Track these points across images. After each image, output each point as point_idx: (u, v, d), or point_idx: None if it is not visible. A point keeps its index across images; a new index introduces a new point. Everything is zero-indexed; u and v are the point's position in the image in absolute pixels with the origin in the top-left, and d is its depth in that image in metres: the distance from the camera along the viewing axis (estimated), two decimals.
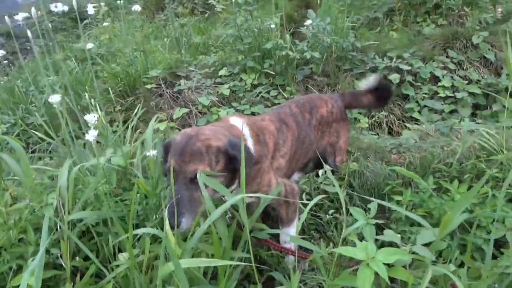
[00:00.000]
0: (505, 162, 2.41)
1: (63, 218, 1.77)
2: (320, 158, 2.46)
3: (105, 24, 5.87)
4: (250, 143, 1.94)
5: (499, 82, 4.15)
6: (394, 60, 4.30)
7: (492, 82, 4.18)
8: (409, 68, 4.24)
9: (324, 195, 2.19)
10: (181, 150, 1.70)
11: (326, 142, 2.55)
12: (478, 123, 3.66)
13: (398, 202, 2.20)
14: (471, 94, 4.07)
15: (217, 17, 6.48)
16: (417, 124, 3.86)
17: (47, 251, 1.84)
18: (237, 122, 1.99)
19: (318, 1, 5.04)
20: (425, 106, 4.08)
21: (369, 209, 1.88)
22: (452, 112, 4.05)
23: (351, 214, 2.02)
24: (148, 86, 3.96)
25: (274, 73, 4.18)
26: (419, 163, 2.76)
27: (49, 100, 1.84)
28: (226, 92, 4.05)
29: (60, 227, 1.72)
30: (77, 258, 1.74)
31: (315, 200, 1.83)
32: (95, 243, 1.94)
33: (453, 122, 3.61)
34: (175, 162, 1.68)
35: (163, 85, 4.00)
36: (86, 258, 1.88)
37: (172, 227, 1.55)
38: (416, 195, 2.20)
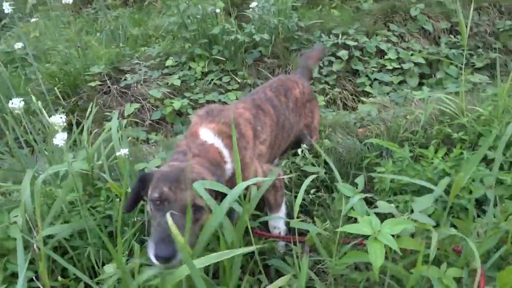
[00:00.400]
0: (467, 125, 2.50)
1: (32, 236, 1.54)
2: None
3: (32, 20, 5.33)
4: (227, 155, 1.84)
5: (440, 50, 4.35)
6: (340, 37, 4.35)
7: (433, 51, 4.37)
8: (355, 43, 4.30)
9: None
10: (176, 177, 1.55)
11: (302, 124, 2.49)
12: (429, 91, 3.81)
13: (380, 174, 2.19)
14: (416, 64, 4.22)
15: (151, 8, 6.16)
16: (371, 97, 3.93)
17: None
18: (207, 135, 1.86)
19: None
20: (375, 79, 4.17)
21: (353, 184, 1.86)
22: (400, 83, 4.17)
23: (334, 192, 1.97)
24: (92, 84, 3.65)
25: (224, 59, 4.03)
26: (386, 134, 2.80)
27: None
28: (177, 82, 3.84)
29: (36, 247, 1.48)
30: (59, 277, 1.52)
31: (307, 181, 1.77)
32: (70, 258, 1.73)
33: (406, 92, 3.72)
34: (169, 189, 1.52)
35: (108, 81, 3.70)
36: (63, 276, 1.68)
37: (163, 258, 1.36)
38: (394, 165, 2.21)
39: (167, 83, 3.88)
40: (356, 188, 1.90)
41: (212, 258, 1.27)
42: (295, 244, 1.68)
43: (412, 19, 4.66)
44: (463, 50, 4.41)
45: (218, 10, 3.92)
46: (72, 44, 4.23)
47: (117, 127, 1.96)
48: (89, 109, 2.39)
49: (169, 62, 4.09)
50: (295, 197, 2.30)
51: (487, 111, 2.41)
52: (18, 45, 3.27)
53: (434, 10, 4.74)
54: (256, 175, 1.87)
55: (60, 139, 1.38)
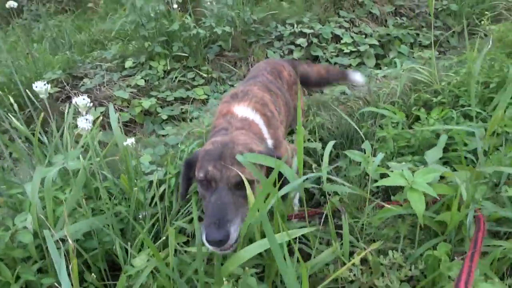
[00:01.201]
0: (446, 88, 2.64)
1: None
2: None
3: None
4: (265, 132, 1.81)
5: (389, 32, 4.58)
6: (295, 26, 4.43)
7: (383, 33, 4.59)
8: (312, 31, 4.40)
9: None
10: (220, 155, 1.48)
11: (292, 105, 2.49)
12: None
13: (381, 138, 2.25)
14: (371, 46, 4.41)
15: (92, 14, 5.87)
16: None
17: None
18: (245, 111, 1.82)
19: None
20: (335, 63, 4.29)
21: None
22: (359, 64, 4.33)
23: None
24: (50, 91, 3.36)
25: (185, 55, 3.93)
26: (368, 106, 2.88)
27: None
28: (141, 82, 3.68)
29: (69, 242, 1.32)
30: (92, 275, 1.38)
31: (330, 145, 1.77)
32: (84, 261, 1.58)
33: (369, 71, 3.87)
34: (214, 168, 1.45)
35: (67, 87, 3.45)
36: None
37: (215, 242, 1.30)
38: (391, 130, 2.27)
39: (130, 85, 3.70)
40: (364, 153, 1.93)
41: (284, 237, 1.21)
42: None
43: (359, 5, 4.86)
44: (410, 30, 4.71)
45: (175, 6, 3.81)
46: (15, 54, 3.91)
47: (116, 117, 1.82)
48: (66, 115, 2.20)
49: (128, 64, 3.91)
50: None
51: (461, 74, 2.57)
52: None
53: None
54: (287, 154, 1.85)
55: (84, 121, 1.24)
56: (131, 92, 3.61)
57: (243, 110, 1.82)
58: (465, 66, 2.74)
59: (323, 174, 1.60)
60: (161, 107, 3.60)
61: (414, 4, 4.98)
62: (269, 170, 1.58)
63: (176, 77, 3.85)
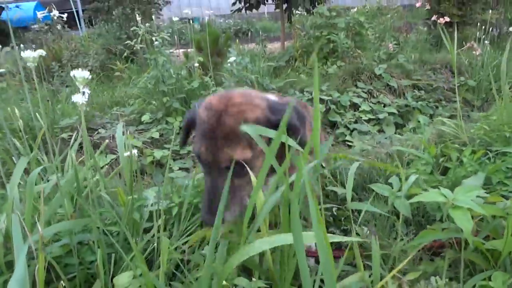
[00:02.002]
0: (469, 141, 2.49)
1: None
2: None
3: None
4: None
5: (409, 102, 4.56)
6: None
7: (402, 104, 4.57)
8: (330, 98, 4.41)
9: None
10: (210, 132, 1.33)
11: None
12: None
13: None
14: (390, 114, 4.36)
15: (115, 81, 6.11)
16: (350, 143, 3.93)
17: None
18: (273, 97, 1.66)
19: (228, 53, 5.13)
20: (354, 129, 4.21)
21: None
22: (378, 132, 4.24)
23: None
24: (64, 136, 3.33)
25: None
26: (391, 160, 2.71)
27: None
28: (156, 135, 3.63)
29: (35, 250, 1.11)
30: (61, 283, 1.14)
31: (354, 167, 1.58)
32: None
33: (390, 134, 3.76)
34: (205, 150, 1.34)
35: (80, 133, 3.40)
36: None
37: (208, 224, 1.27)
38: (420, 167, 2.08)
39: (145, 137, 3.65)
40: (392, 188, 1.75)
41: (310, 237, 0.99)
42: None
43: (377, 78, 4.93)
44: (428, 102, 4.69)
45: (196, 64, 3.91)
46: (37, 107, 3.97)
47: (121, 132, 1.70)
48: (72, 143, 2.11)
49: (145, 118, 3.91)
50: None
51: (491, 120, 2.43)
52: None
53: (394, 71, 5.08)
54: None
55: (80, 96, 1.12)
56: (144, 143, 3.54)
57: (271, 96, 1.65)
58: (493, 116, 2.61)
59: (348, 192, 1.40)
60: (173, 159, 3.49)
61: (432, 79, 5.02)
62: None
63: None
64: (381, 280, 1.21)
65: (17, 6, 9.11)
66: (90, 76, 1.26)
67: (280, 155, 1.31)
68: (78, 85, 1.14)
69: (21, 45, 5.79)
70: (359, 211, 1.99)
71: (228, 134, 1.31)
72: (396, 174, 2.02)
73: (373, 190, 2.02)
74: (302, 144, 1.23)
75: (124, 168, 1.65)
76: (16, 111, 2.01)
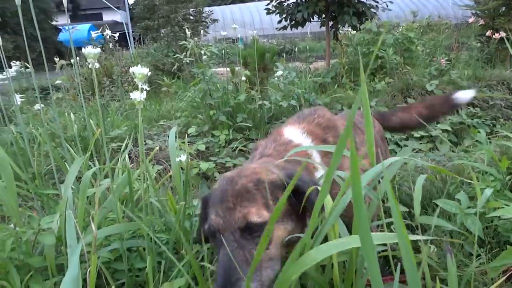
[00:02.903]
0: None
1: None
2: None
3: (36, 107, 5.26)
4: (318, 160, 1.49)
5: (464, 120, 4.32)
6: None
7: (456, 121, 4.34)
8: None
9: None
10: (222, 196, 1.20)
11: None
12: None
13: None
14: (444, 131, 4.14)
15: (162, 96, 6.25)
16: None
17: None
18: (294, 134, 1.55)
19: (274, 68, 5.12)
20: (405, 146, 4.02)
21: None
22: (431, 150, 4.03)
23: None
24: (113, 145, 3.40)
25: (248, 126, 3.88)
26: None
27: None
28: (202, 147, 3.62)
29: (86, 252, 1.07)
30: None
31: (421, 180, 1.46)
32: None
33: (446, 152, 3.56)
34: (216, 215, 1.17)
35: (129, 143, 3.45)
36: None
37: None
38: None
39: (191, 149, 3.66)
40: (460, 204, 1.60)
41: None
42: None
43: (428, 94, 4.72)
44: (484, 119, 4.43)
45: (243, 78, 3.90)
46: (90, 117, 4.10)
47: (174, 136, 1.67)
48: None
49: (191, 130, 3.92)
50: None
51: None
52: None
53: (447, 87, 4.85)
54: None
55: (138, 93, 1.09)
56: (190, 155, 3.53)
57: (291, 133, 1.54)
58: None
59: (416, 203, 1.27)
60: (219, 172, 3.46)
61: (488, 96, 4.75)
62: (290, 202, 1.21)
63: (237, 147, 3.76)
64: None
65: (73, 27, 9.65)
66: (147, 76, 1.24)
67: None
68: (137, 82, 1.12)
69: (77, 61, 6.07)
70: (423, 230, 1.85)
71: (240, 193, 1.17)
72: (463, 190, 1.87)
73: (435, 208, 1.87)
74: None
75: (175, 173, 1.61)
76: (72, 116, 2.02)
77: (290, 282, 0.97)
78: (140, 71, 1.09)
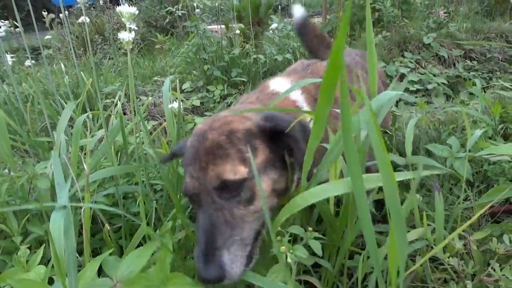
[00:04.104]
0: None
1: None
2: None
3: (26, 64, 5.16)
4: (304, 104, 1.40)
5: (461, 73, 4.28)
6: None
7: (452, 74, 4.30)
8: None
9: None
10: (194, 155, 1.09)
11: None
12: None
13: None
14: (439, 85, 4.12)
15: (156, 53, 6.15)
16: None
17: None
18: (280, 85, 1.43)
19: (269, 21, 5.00)
20: (400, 100, 4.01)
21: None
22: (427, 103, 4.02)
23: None
24: (107, 101, 3.37)
25: (245, 80, 3.84)
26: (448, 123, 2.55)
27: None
28: (197, 102, 3.60)
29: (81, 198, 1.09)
30: (106, 226, 1.12)
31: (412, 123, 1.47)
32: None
33: (439, 105, 3.55)
34: (190, 177, 1.08)
35: (122, 96, 3.43)
36: None
37: (208, 282, 0.96)
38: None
39: (186, 104, 3.64)
40: (451, 148, 1.61)
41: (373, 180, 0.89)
42: None
43: (425, 47, 4.65)
44: (481, 73, 4.40)
45: (237, 32, 3.82)
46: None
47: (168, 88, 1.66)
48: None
49: (185, 86, 3.89)
50: None
51: None
52: None
53: (445, 40, 4.78)
54: None
55: (127, 33, 1.06)
56: (185, 110, 3.52)
57: (278, 84, 1.44)
58: None
59: (407, 144, 1.29)
60: None
61: (485, 49, 4.69)
62: (270, 148, 1.12)
63: (232, 102, 3.74)
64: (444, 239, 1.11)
65: None
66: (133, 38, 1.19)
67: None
68: (125, 21, 1.09)
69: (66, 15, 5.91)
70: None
71: (211, 149, 1.06)
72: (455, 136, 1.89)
73: (429, 153, 1.90)
74: (299, 162, 1.05)
75: (168, 121, 1.61)
76: (63, 66, 1.99)
77: (280, 223, 0.99)
78: (128, 10, 1.06)
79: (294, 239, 1.05)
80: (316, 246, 0.94)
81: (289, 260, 0.86)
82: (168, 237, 1.18)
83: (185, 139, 1.25)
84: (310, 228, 0.98)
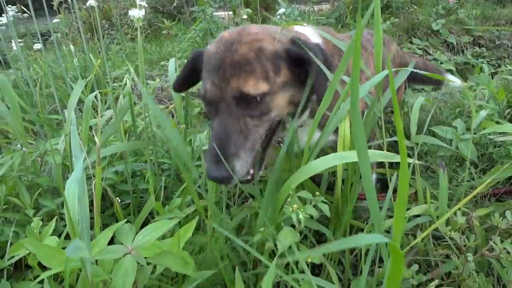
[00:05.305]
0: None
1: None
2: None
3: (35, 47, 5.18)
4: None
5: (469, 60, 4.25)
6: None
7: (461, 61, 4.28)
8: None
9: None
10: (219, 64, 1.12)
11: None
12: None
13: None
14: (447, 71, 4.09)
15: (163, 39, 6.15)
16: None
17: None
18: (305, 30, 1.41)
19: (276, 6, 4.98)
20: (409, 86, 3.99)
21: None
22: (433, 89, 4.00)
23: None
24: (115, 84, 3.40)
25: None
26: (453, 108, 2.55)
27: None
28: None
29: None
30: (117, 199, 1.15)
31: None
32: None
33: (445, 90, 3.54)
34: (211, 84, 1.12)
35: (131, 83, 3.46)
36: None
37: (217, 180, 1.07)
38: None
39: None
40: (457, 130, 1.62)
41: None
42: None
43: (434, 34, 4.61)
44: (490, 59, 4.36)
45: (245, 17, 3.81)
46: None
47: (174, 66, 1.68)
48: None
49: None
50: None
51: None
52: None
53: (454, 27, 4.73)
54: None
55: (137, 10, 1.08)
56: (192, 95, 3.54)
57: (302, 28, 1.41)
58: None
59: (412, 124, 1.30)
60: None
61: (495, 36, 4.64)
62: (293, 72, 1.17)
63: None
64: None
65: None
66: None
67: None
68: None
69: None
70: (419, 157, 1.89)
71: (238, 63, 1.10)
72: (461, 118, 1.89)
73: (434, 137, 1.90)
74: (319, 96, 1.10)
75: (176, 101, 1.63)
76: (72, 47, 2.01)
77: (291, 189, 1.02)
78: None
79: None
80: (325, 208, 0.97)
81: (300, 216, 0.89)
82: (176, 212, 1.21)
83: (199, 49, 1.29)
84: (317, 193, 1.01)
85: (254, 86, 1.09)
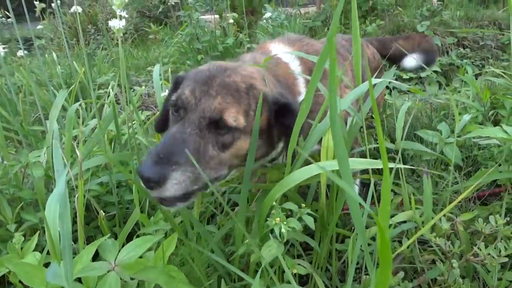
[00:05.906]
0: None
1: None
2: None
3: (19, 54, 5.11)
4: (301, 85, 1.39)
5: (454, 60, 4.30)
6: None
7: (446, 62, 4.32)
8: None
9: None
10: (207, 79, 1.10)
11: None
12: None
13: None
14: (433, 72, 4.13)
15: (149, 44, 6.12)
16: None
17: None
18: (282, 50, 1.42)
19: (263, 11, 4.98)
20: (394, 88, 4.03)
21: None
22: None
23: None
24: (100, 91, 3.37)
25: None
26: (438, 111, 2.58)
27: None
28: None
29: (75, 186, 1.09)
30: (101, 212, 1.13)
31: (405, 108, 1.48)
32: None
33: (432, 92, 3.58)
34: (191, 92, 1.08)
35: (117, 88, 3.42)
36: None
37: (144, 180, 0.95)
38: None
39: None
40: (441, 134, 1.64)
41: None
42: None
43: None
44: (474, 60, 4.42)
45: (231, 21, 3.81)
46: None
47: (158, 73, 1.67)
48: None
49: None
50: None
51: None
52: None
53: (438, 28, 4.78)
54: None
55: (117, 21, 1.07)
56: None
57: (279, 49, 1.42)
58: None
59: (398, 128, 1.31)
60: None
61: (478, 37, 4.70)
62: (269, 121, 1.16)
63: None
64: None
65: None
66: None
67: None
68: (115, 9, 1.09)
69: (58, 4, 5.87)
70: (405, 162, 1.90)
71: (228, 86, 1.08)
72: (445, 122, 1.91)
73: (421, 140, 1.91)
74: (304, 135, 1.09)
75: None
76: (54, 55, 1.98)
77: (274, 199, 1.01)
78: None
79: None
80: (309, 220, 0.96)
81: (283, 230, 0.88)
82: (162, 224, 1.20)
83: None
84: (303, 204, 1.01)
85: (234, 117, 1.06)
